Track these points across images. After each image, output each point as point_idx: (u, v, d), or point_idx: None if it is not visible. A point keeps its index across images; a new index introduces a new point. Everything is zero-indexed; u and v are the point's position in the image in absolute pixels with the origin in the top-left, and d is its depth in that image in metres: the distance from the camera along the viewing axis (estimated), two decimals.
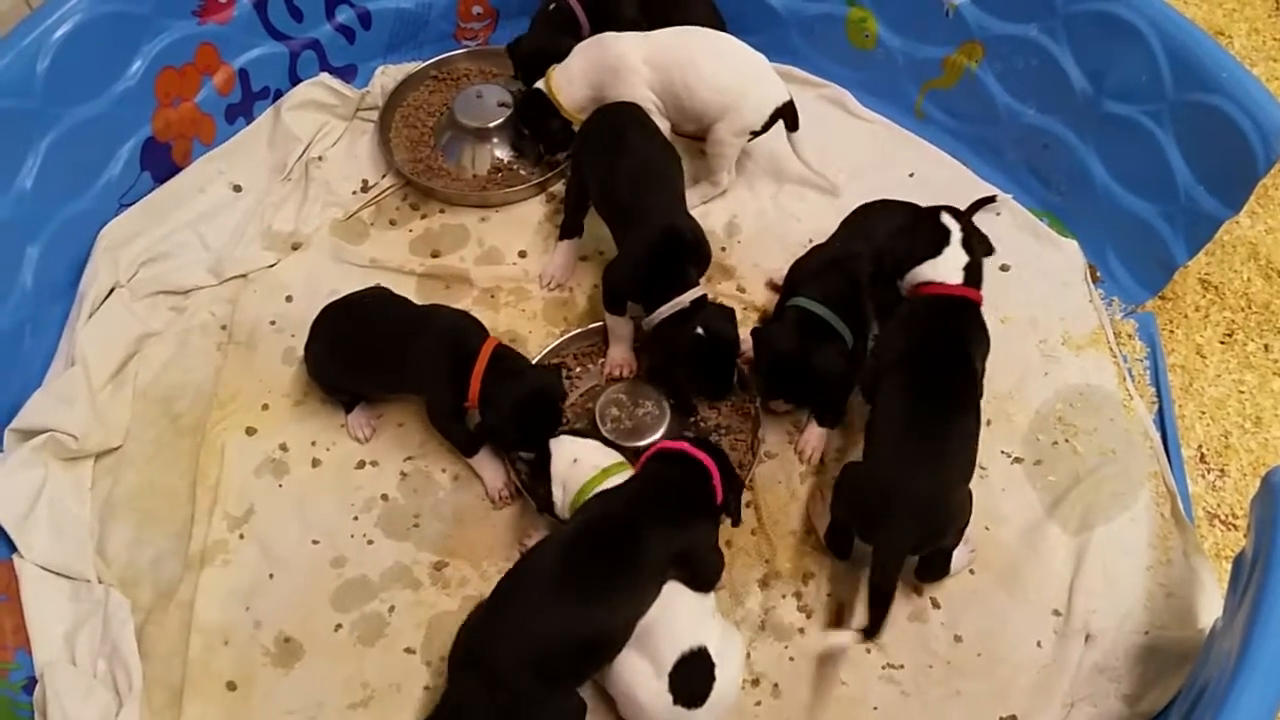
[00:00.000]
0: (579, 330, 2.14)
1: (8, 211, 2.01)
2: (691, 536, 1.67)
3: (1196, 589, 1.83)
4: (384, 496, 1.96)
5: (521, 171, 2.45)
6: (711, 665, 1.60)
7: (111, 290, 2.17)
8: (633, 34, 2.24)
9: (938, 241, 1.84)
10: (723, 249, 2.31)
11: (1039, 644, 1.81)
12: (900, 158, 2.48)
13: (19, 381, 2.03)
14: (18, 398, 1.99)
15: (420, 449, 2.02)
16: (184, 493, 1.94)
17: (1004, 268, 2.28)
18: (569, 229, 2.24)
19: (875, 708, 1.74)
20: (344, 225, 2.34)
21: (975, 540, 1.89)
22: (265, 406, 2.06)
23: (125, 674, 1.70)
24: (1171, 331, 2.25)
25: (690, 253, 1.98)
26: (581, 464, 1.75)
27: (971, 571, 1.88)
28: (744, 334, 2.03)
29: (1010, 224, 2.36)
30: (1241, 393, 2.16)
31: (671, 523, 1.65)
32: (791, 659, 1.79)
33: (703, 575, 1.68)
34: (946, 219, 1.89)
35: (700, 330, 1.89)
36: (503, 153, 2.46)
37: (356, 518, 1.93)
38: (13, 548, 1.84)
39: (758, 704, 1.74)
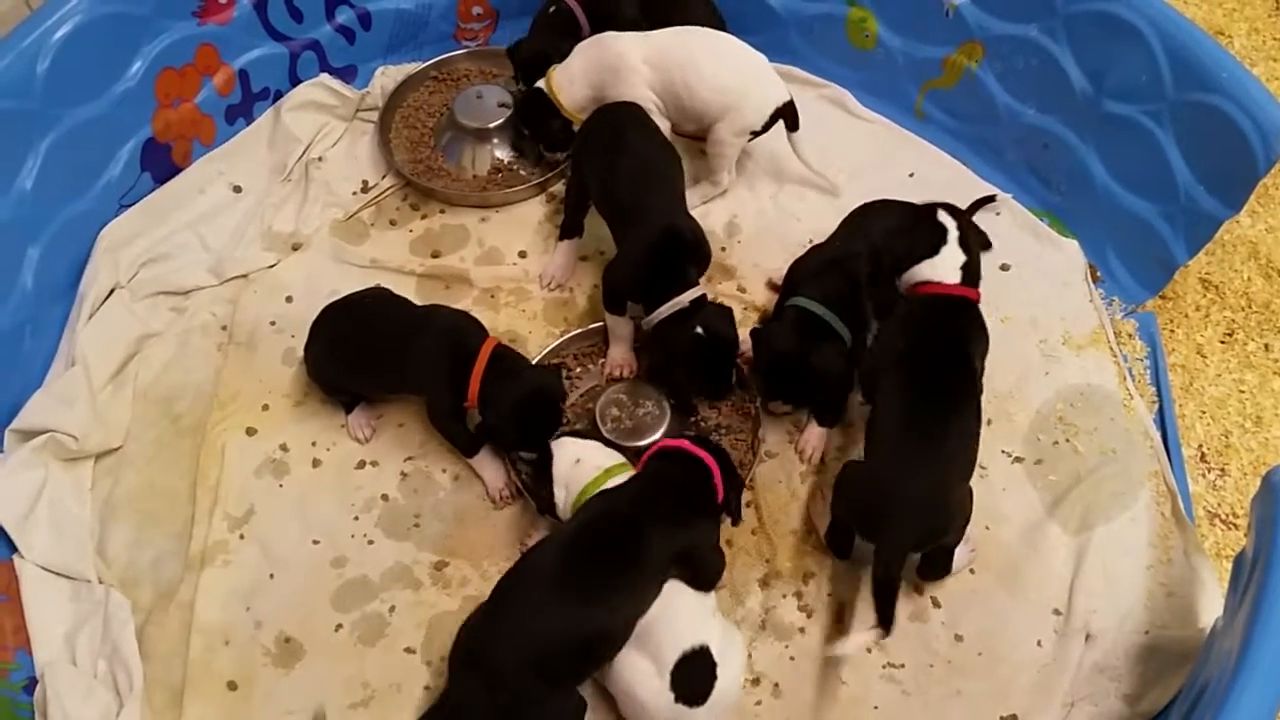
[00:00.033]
0: (579, 330, 2.14)
1: (8, 212, 2.01)
2: (693, 535, 1.67)
3: (1197, 588, 1.83)
4: (384, 497, 1.96)
5: (521, 172, 2.45)
6: (713, 664, 1.60)
7: (112, 291, 2.17)
8: (633, 34, 2.25)
9: (935, 241, 1.84)
10: (723, 249, 2.31)
11: (1039, 643, 1.81)
12: (900, 158, 2.48)
13: (19, 382, 2.03)
14: (18, 398, 1.99)
15: (420, 449, 2.02)
16: (184, 493, 1.94)
17: (1004, 267, 2.28)
18: (569, 229, 2.24)
19: (876, 707, 1.74)
20: (344, 226, 2.35)
21: (976, 540, 1.89)
22: (265, 407, 2.06)
23: (126, 674, 1.70)
24: (1172, 331, 2.25)
25: (690, 252, 1.98)
26: (584, 464, 1.75)
27: (972, 571, 1.88)
28: (744, 334, 2.03)
29: (1010, 224, 2.36)
30: (1242, 392, 2.16)
31: (673, 521, 1.65)
32: (792, 659, 1.79)
33: (704, 574, 1.68)
34: (943, 218, 1.88)
35: (699, 330, 1.89)
36: (503, 153, 2.46)
37: (357, 518, 1.93)
38: (13, 548, 1.84)
39: (758, 704, 1.74)
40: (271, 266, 2.26)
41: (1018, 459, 2.02)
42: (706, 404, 2.05)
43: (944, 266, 1.84)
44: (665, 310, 1.91)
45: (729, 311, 1.97)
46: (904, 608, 1.82)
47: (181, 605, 1.81)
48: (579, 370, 2.12)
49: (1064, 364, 2.14)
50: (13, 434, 1.95)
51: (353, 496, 1.96)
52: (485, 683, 1.51)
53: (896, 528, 1.66)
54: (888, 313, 1.96)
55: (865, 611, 1.81)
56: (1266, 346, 2.24)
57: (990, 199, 2.37)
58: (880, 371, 1.81)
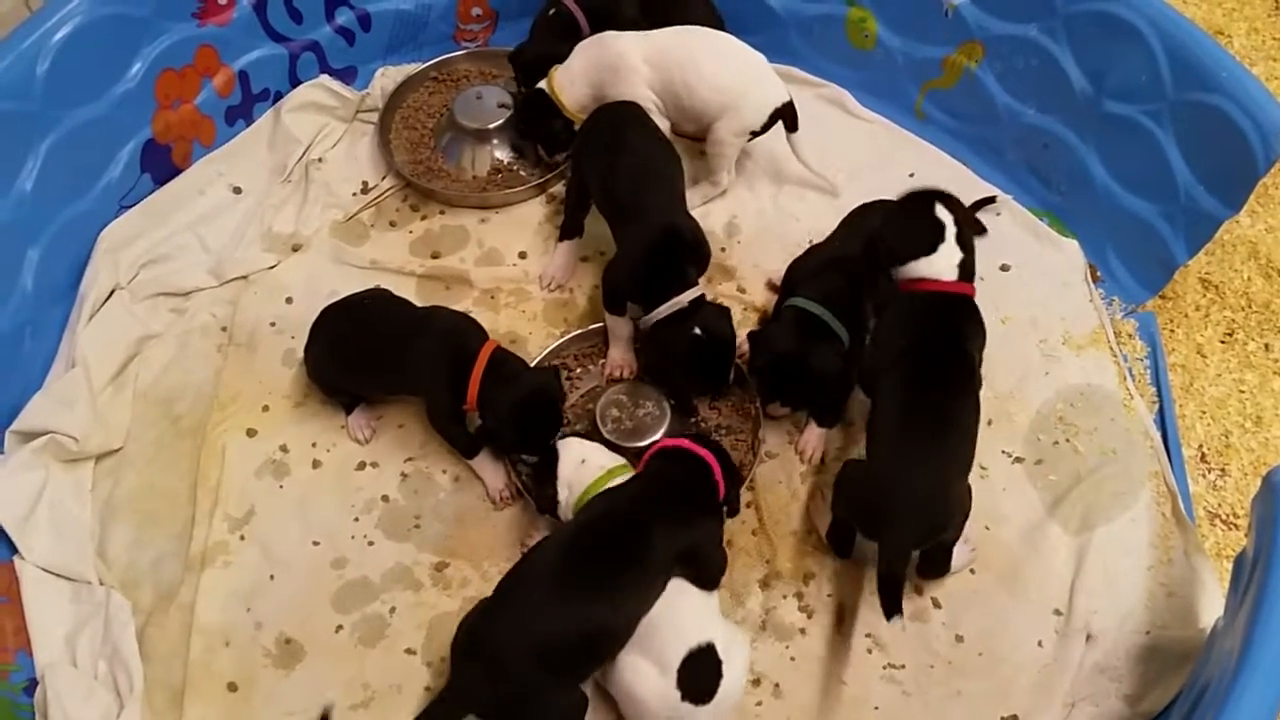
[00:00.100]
0: (579, 331, 2.14)
1: (8, 214, 2.01)
2: (696, 533, 1.68)
3: (1197, 588, 1.83)
4: (384, 498, 1.96)
5: (521, 172, 2.45)
6: (718, 661, 1.60)
7: (112, 292, 2.17)
8: (633, 33, 2.25)
9: (933, 239, 1.83)
10: (723, 249, 2.31)
11: (1040, 644, 1.81)
12: (900, 158, 2.48)
13: (19, 384, 2.03)
14: (18, 400, 1.99)
15: (421, 450, 2.02)
16: (184, 494, 1.94)
17: (1004, 268, 2.28)
18: (569, 229, 2.24)
19: (876, 707, 1.74)
20: (344, 227, 2.34)
21: (976, 540, 1.89)
22: (266, 408, 2.06)
23: (126, 675, 1.70)
24: (1172, 331, 2.25)
25: (689, 252, 1.98)
26: (589, 465, 1.76)
27: (972, 571, 1.88)
28: (744, 335, 2.04)
29: (1010, 224, 2.36)
30: (1242, 392, 2.16)
31: (676, 519, 1.66)
32: (793, 659, 1.79)
33: (707, 572, 1.69)
34: (941, 213, 1.86)
35: (698, 331, 1.89)
36: (503, 154, 2.46)
37: (357, 519, 1.93)
38: (13, 549, 1.84)
39: (759, 704, 1.74)
40: (271, 268, 2.26)
41: (1018, 459, 2.02)
42: (707, 404, 2.05)
43: (941, 264, 1.83)
44: (664, 310, 1.91)
45: (727, 311, 1.97)
46: (904, 608, 1.81)
47: (182, 606, 1.81)
48: (579, 371, 2.12)
49: (1064, 364, 2.14)
50: (13, 435, 1.95)
51: (353, 497, 1.96)
52: (487, 673, 1.52)
53: (899, 526, 1.66)
54: (885, 308, 1.95)
55: (866, 612, 1.82)
56: (1267, 346, 2.24)
57: (991, 199, 2.37)
58: (880, 369, 1.81)
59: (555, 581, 1.57)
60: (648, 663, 1.60)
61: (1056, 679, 1.76)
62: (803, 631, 1.82)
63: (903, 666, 1.78)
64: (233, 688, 1.74)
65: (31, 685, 1.71)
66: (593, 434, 1.95)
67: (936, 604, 1.84)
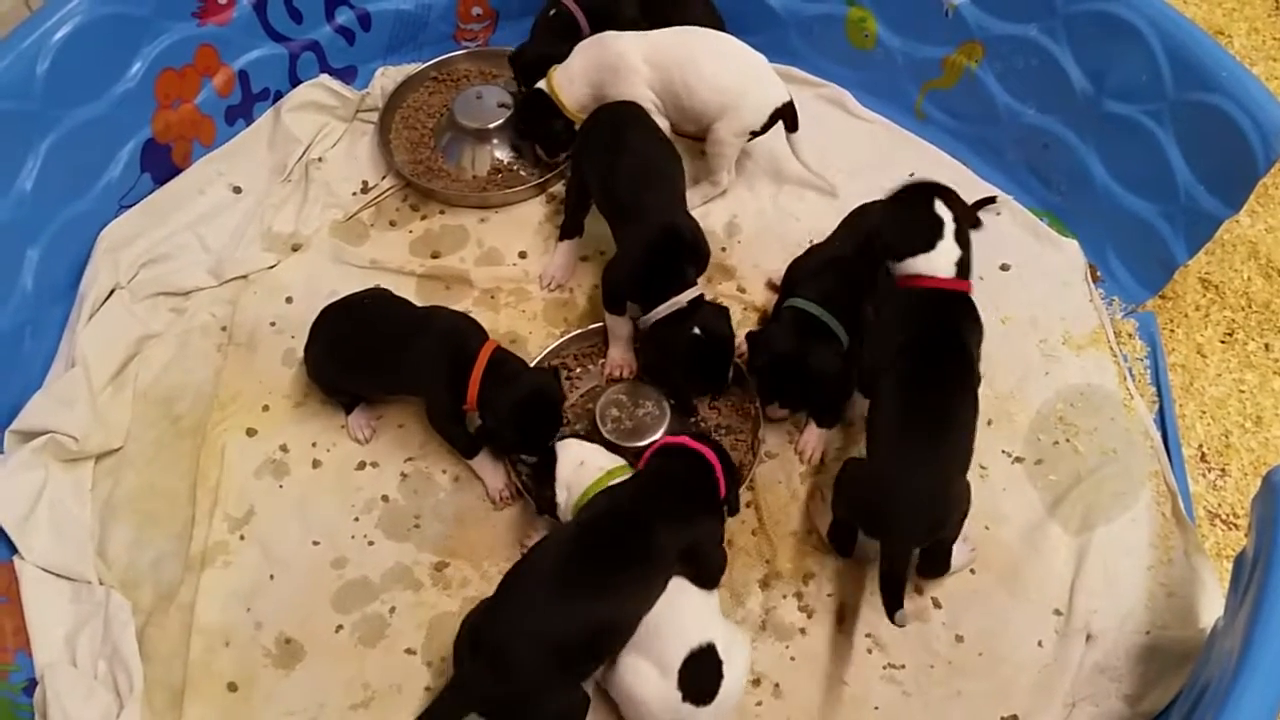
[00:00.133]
0: (579, 331, 2.14)
1: (8, 214, 2.01)
2: (698, 531, 1.68)
3: (1198, 588, 1.83)
4: (384, 497, 1.96)
5: (521, 172, 2.45)
6: (719, 662, 1.60)
7: (111, 292, 2.17)
8: (633, 33, 2.25)
9: (931, 237, 1.83)
10: (723, 249, 2.31)
11: (1040, 644, 1.81)
12: (900, 158, 2.48)
13: (19, 383, 2.03)
14: (18, 399, 1.99)
15: (421, 450, 2.02)
16: (184, 494, 1.94)
17: (1004, 267, 2.28)
18: (569, 229, 2.24)
19: (876, 707, 1.74)
20: (344, 226, 2.34)
21: (976, 540, 1.89)
22: (265, 408, 2.06)
23: (126, 675, 1.70)
24: (1172, 331, 2.25)
25: (689, 252, 1.98)
26: (587, 466, 1.76)
27: (972, 571, 1.88)
28: (743, 335, 2.03)
29: (1010, 224, 2.36)
30: (1242, 392, 2.16)
31: (678, 516, 1.66)
32: (793, 659, 1.79)
33: (707, 571, 1.69)
34: (939, 209, 1.85)
35: (697, 331, 1.89)
36: (502, 154, 2.46)
37: (357, 519, 1.93)
38: (13, 549, 1.84)
39: (759, 704, 1.74)
40: (271, 267, 2.26)
41: (1018, 459, 2.02)
42: (707, 404, 2.05)
43: (939, 261, 1.83)
44: (663, 310, 1.91)
45: (726, 311, 1.97)
46: (905, 606, 1.82)
47: (182, 606, 1.81)
48: (579, 371, 2.12)
49: (1064, 364, 2.14)
50: (13, 435, 1.95)
51: (353, 497, 1.96)
52: (491, 670, 1.52)
53: (900, 523, 1.66)
54: (883, 306, 1.95)
55: (867, 612, 1.82)
56: (1267, 346, 2.24)
57: (991, 199, 2.37)
58: (878, 366, 1.81)
59: (558, 579, 1.58)
60: (648, 664, 1.60)
61: (1056, 679, 1.76)
62: (803, 631, 1.82)
63: (903, 666, 1.78)
64: (233, 688, 1.74)
65: (31, 685, 1.71)
66: (592, 434, 1.95)
67: (936, 604, 1.84)
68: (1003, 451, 2.02)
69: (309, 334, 2.00)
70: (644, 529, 1.62)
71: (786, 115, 2.24)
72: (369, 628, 1.81)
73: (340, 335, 1.98)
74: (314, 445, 2.02)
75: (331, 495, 1.96)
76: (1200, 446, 2.08)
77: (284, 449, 2.01)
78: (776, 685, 1.76)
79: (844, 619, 1.82)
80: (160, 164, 2.33)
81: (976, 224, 2.23)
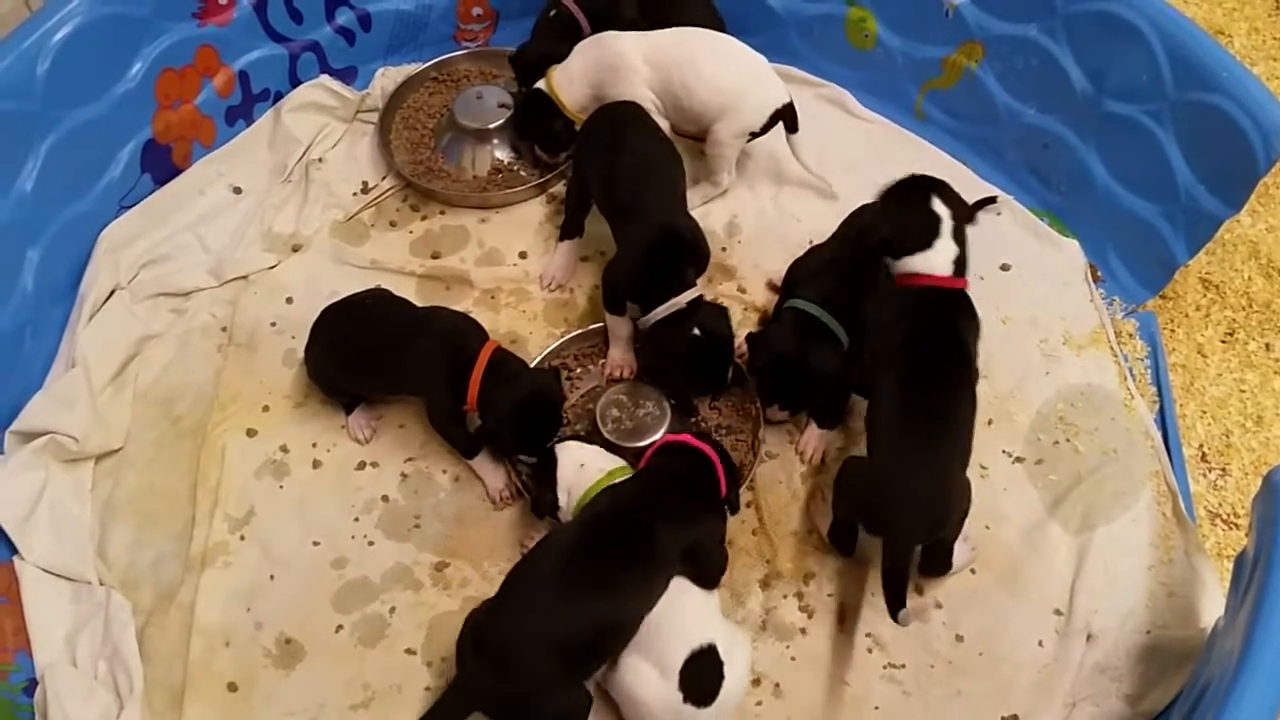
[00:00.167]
0: (579, 331, 2.14)
1: (8, 214, 2.01)
2: (700, 529, 1.68)
3: (1198, 588, 1.83)
4: (385, 498, 1.96)
5: (522, 172, 2.45)
6: (720, 662, 1.60)
7: (112, 292, 2.17)
8: (633, 33, 2.25)
9: (929, 236, 1.82)
10: (723, 249, 2.31)
11: (1040, 643, 1.81)
12: (900, 158, 2.46)
13: (19, 384, 2.03)
14: (18, 400, 1.99)
15: (421, 450, 2.02)
16: (184, 494, 1.94)
17: (1004, 267, 2.28)
18: (569, 229, 2.24)
19: (877, 707, 1.74)
20: (344, 227, 2.34)
21: (976, 539, 1.89)
22: (266, 408, 2.06)
23: (126, 676, 1.70)
24: (1172, 331, 2.25)
25: (688, 252, 1.97)
26: (588, 468, 1.76)
27: (973, 571, 1.88)
28: (744, 335, 2.03)
29: (1010, 224, 2.36)
30: (1243, 392, 2.16)
31: (680, 515, 1.66)
32: (793, 659, 1.79)
33: (707, 570, 1.69)
34: (938, 207, 1.85)
35: (696, 331, 1.89)
36: (503, 154, 2.46)
37: (357, 519, 1.93)
38: (13, 550, 1.84)
39: (759, 704, 1.74)
40: (272, 268, 2.26)
41: (1018, 459, 2.02)
42: (707, 404, 2.05)
43: (937, 260, 1.83)
44: (662, 310, 1.91)
45: (725, 311, 1.97)
46: (907, 605, 1.82)
47: (182, 606, 1.81)
48: (579, 371, 2.12)
49: (1064, 364, 2.13)
50: (13, 435, 1.95)
51: (353, 498, 1.96)
52: (493, 669, 1.52)
53: (902, 522, 1.66)
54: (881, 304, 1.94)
55: (867, 612, 1.82)
56: (1267, 346, 2.24)
57: (991, 199, 2.36)
58: (876, 365, 1.81)
59: (561, 577, 1.58)
60: (649, 665, 1.60)
61: (1057, 679, 1.76)
62: (803, 631, 1.81)
63: (903, 666, 1.78)
64: (233, 688, 1.74)
65: (31, 685, 1.71)
66: (593, 434, 1.95)
67: (937, 604, 1.84)
68: (1003, 451, 2.02)
69: (309, 334, 2.00)
70: (646, 527, 1.62)
71: (786, 116, 2.24)
72: (369, 628, 1.81)
73: (340, 335, 1.98)
74: (314, 445, 2.02)
75: (332, 495, 1.96)
76: (1201, 446, 2.08)
77: (284, 449, 2.01)
78: (777, 685, 1.76)
79: (844, 619, 1.82)
80: (160, 164, 2.33)
81: (971, 219, 2.22)
